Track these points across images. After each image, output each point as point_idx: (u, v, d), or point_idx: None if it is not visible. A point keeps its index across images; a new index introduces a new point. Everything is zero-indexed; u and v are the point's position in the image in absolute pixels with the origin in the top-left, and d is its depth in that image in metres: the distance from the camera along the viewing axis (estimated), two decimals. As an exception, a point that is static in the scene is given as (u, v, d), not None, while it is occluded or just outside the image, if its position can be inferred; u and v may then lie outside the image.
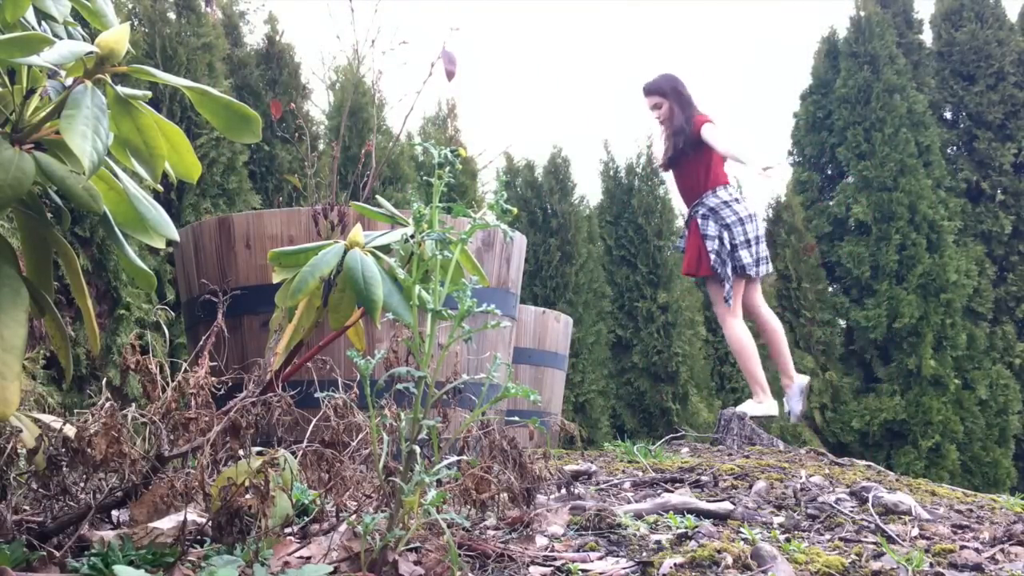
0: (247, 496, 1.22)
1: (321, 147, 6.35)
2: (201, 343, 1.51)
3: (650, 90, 4.82)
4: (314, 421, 1.39)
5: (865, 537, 1.61)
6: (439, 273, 1.32)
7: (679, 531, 1.57)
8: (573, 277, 7.33)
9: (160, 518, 1.32)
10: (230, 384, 1.43)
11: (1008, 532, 1.59)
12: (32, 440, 1.28)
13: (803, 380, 4.67)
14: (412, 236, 1.37)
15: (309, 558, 1.30)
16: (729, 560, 1.35)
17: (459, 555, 1.30)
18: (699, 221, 4.54)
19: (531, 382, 4.79)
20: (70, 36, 1.32)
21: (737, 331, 4.53)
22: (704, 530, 1.56)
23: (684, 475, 2.24)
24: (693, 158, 4.62)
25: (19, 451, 1.31)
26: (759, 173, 4.52)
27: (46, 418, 1.34)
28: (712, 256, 4.51)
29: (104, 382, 1.69)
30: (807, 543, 1.56)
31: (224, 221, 2.76)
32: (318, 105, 6.57)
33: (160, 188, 1.37)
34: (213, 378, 1.39)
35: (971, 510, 2.05)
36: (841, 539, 1.59)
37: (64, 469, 1.29)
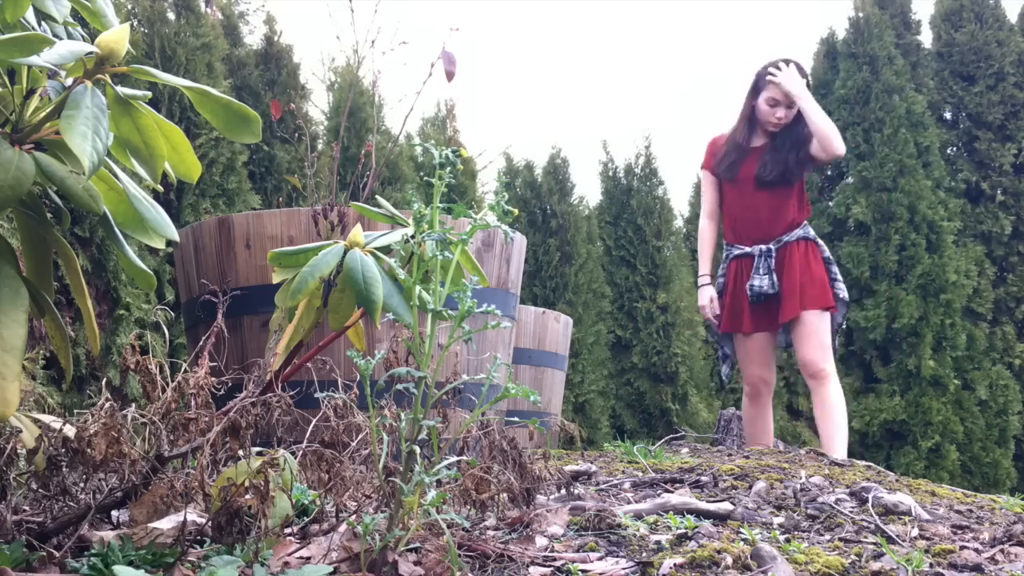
0: (247, 496, 1.22)
1: (320, 147, 6.36)
2: (201, 343, 1.51)
3: (797, 80, 3.75)
4: (314, 421, 1.38)
5: (865, 537, 1.61)
6: (439, 274, 1.32)
7: (679, 531, 1.57)
8: (573, 277, 7.34)
9: (160, 518, 1.32)
10: (230, 384, 1.43)
11: (1008, 532, 1.59)
12: (32, 440, 1.28)
13: None
14: (412, 236, 1.37)
15: (309, 558, 1.30)
16: (729, 560, 1.35)
17: (459, 555, 1.30)
18: (815, 243, 3.86)
19: (531, 382, 4.79)
20: (70, 36, 1.32)
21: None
22: (704, 530, 1.56)
23: (684, 475, 2.24)
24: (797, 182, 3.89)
25: (19, 451, 1.31)
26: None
27: (46, 418, 1.34)
28: (838, 282, 3.88)
29: (104, 382, 1.69)
30: (807, 543, 1.56)
31: (224, 221, 2.76)
32: (317, 105, 6.58)
33: (160, 188, 1.37)
34: (213, 378, 1.39)
35: (971, 510, 2.05)
36: (841, 539, 1.59)
37: (64, 469, 1.29)
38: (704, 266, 4.04)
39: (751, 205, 3.87)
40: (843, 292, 3.86)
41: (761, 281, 3.81)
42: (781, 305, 3.80)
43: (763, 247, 3.82)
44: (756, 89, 3.84)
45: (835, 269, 3.87)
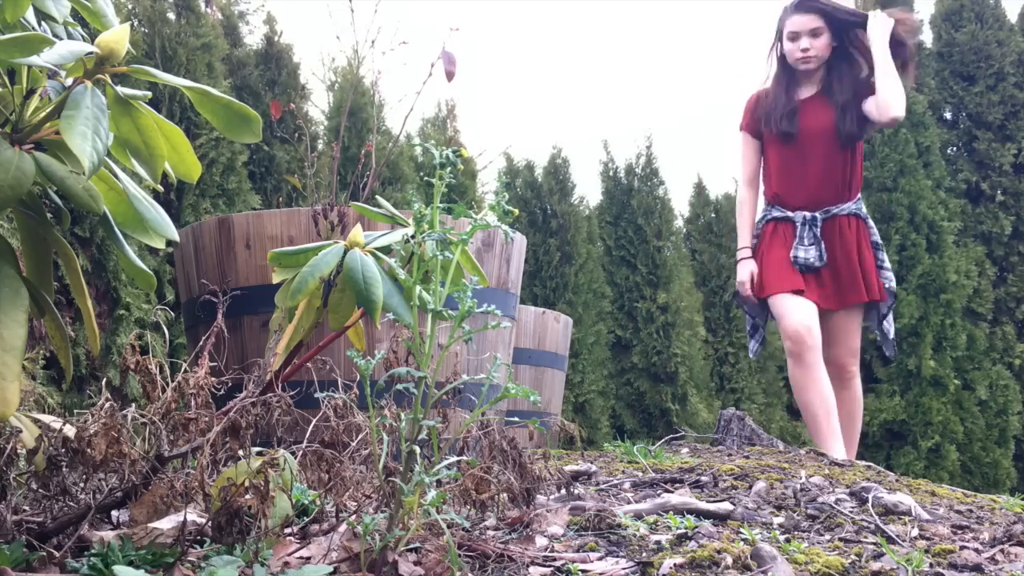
0: (247, 496, 1.22)
1: (320, 147, 6.35)
2: (201, 343, 1.51)
3: (809, 6, 3.41)
4: (314, 421, 1.39)
5: (865, 537, 1.61)
6: (439, 274, 1.32)
7: (679, 531, 1.57)
8: (573, 277, 7.34)
9: (160, 518, 1.32)
10: (230, 384, 1.43)
11: (1008, 532, 1.59)
12: (32, 440, 1.28)
13: None
14: (412, 236, 1.37)
15: (309, 558, 1.30)
16: (729, 560, 1.35)
17: (459, 555, 1.30)
18: (866, 223, 3.53)
19: (531, 382, 4.79)
20: (70, 36, 1.32)
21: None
22: (704, 530, 1.56)
23: (684, 475, 2.24)
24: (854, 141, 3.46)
25: (19, 451, 1.31)
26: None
27: (46, 418, 1.34)
28: (885, 270, 3.55)
29: (104, 382, 1.69)
30: (807, 543, 1.56)
31: (224, 221, 2.76)
32: (317, 105, 6.58)
33: (160, 188, 1.37)
34: (213, 378, 1.39)
35: (971, 510, 2.05)
36: (841, 539, 1.59)
37: (64, 469, 1.29)
38: (744, 238, 3.67)
39: (801, 166, 3.48)
40: (890, 281, 3.54)
41: (807, 253, 3.44)
42: (833, 287, 3.48)
43: (807, 214, 3.45)
44: (779, 32, 3.51)
45: (883, 256, 3.56)
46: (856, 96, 3.45)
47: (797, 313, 3.41)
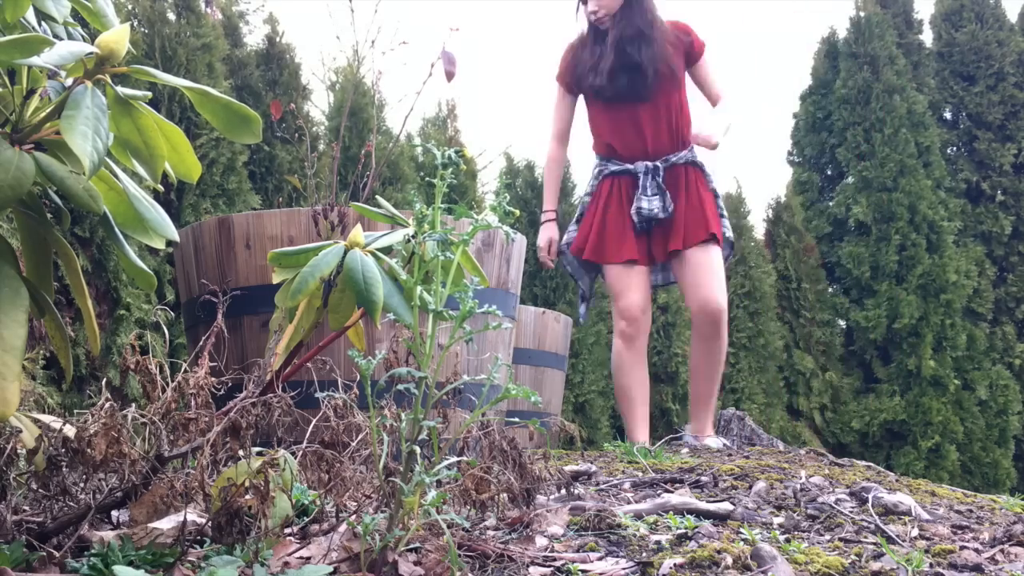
0: (247, 496, 1.22)
1: (321, 147, 6.35)
2: (201, 343, 1.51)
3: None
4: (314, 421, 1.39)
5: (865, 537, 1.61)
6: (440, 274, 1.32)
7: (679, 531, 1.57)
8: (573, 277, 7.34)
9: (160, 518, 1.32)
10: (230, 384, 1.43)
11: (1008, 532, 1.59)
12: (32, 440, 1.28)
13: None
14: (413, 236, 1.37)
15: (309, 558, 1.30)
16: (729, 560, 1.35)
17: (459, 555, 1.30)
18: (702, 172, 3.42)
19: (531, 383, 4.79)
20: (70, 37, 1.32)
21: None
22: (704, 530, 1.56)
23: (684, 475, 2.24)
24: (666, 88, 3.35)
25: (19, 451, 1.31)
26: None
27: (46, 418, 1.34)
28: (725, 219, 3.45)
29: (104, 382, 1.70)
30: (807, 543, 1.56)
31: (224, 221, 2.76)
32: (318, 106, 6.58)
33: (160, 188, 1.37)
34: (213, 378, 1.39)
35: (971, 511, 2.05)
36: (841, 539, 1.59)
37: (64, 469, 1.29)
38: (549, 199, 3.58)
39: (633, 115, 3.37)
40: (729, 231, 3.44)
41: (651, 203, 3.31)
42: (672, 233, 3.35)
43: (648, 164, 3.34)
44: None
45: (722, 204, 3.46)
46: (640, 43, 3.37)
47: (634, 293, 3.39)
